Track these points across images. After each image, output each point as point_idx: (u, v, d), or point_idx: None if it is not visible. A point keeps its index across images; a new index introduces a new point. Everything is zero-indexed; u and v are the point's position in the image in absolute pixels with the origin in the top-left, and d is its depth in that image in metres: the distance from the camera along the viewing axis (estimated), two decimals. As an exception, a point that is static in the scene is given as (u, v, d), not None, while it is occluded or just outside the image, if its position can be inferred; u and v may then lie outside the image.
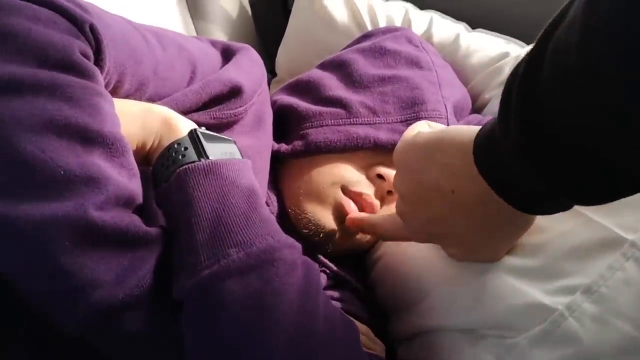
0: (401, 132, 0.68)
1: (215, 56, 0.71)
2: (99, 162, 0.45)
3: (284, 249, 0.47)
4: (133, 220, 0.46)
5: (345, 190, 0.70)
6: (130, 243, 0.45)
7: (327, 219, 0.69)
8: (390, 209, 0.70)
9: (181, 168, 0.49)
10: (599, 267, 0.51)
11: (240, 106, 0.64)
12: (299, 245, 0.50)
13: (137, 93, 0.57)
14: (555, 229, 0.55)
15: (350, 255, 0.76)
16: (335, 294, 0.69)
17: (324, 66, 0.83)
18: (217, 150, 0.52)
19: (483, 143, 0.46)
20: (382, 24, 1.00)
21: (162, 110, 0.54)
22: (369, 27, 0.99)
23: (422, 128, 0.57)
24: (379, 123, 0.71)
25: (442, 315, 0.59)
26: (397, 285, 0.68)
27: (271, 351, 0.44)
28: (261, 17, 1.21)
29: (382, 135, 0.70)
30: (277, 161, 0.73)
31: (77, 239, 0.42)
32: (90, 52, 0.48)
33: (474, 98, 0.86)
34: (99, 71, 0.48)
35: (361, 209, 0.69)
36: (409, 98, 0.73)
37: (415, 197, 0.54)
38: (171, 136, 0.52)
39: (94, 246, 0.43)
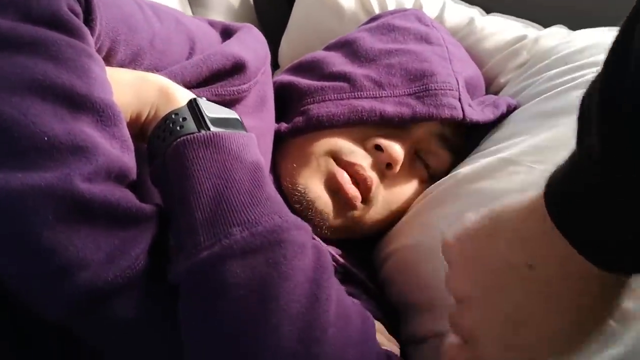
0: (410, 105, 0.65)
1: (215, 36, 0.67)
2: (87, 130, 0.40)
3: (292, 230, 0.43)
4: (125, 195, 0.42)
5: (338, 159, 0.65)
6: (122, 220, 0.41)
7: (318, 191, 0.65)
8: (390, 185, 0.66)
9: (179, 139, 0.44)
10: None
11: (244, 83, 0.59)
12: (308, 228, 0.45)
13: (132, 65, 0.52)
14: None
15: (352, 242, 0.71)
16: (344, 289, 0.64)
17: (328, 47, 0.80)
18: (219, 122, 0.47)
19: (559, 188, 0.33)
20: (392, 9, 0.95)
21: (158, 79, 0.50)
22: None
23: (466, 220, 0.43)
24: (385, 96, 0.67)
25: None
26: (411, 285, 0.63)
27: (277, 342, 0.39)
28: (263, 5, 1.17)
29: (389, 108, 0.66)
30: (277, 142, 0.69)
31: (62, 213, 0.38)
32: (79, 10, 0.44)
33: (489, 82, 0.81)
34: (89, 32, 0.44)
35: (354, 182, 0.64)
36: (417, 70, 0.68)
37: (480, 290, 0.39)
38: (168, 106, 0.48)
39: (80, 222, 0.38)
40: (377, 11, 0.95)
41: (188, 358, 0.42)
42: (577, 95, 0.59)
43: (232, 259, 0.40)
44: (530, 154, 0.57)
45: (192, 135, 0.44)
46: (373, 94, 0.67)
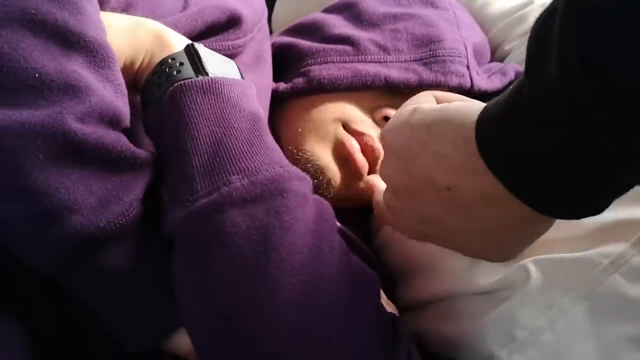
0: (416, 72, 0.63)
1: None
2: (79, 69, 0.38)
3: (294, 180, 0.41)
4: (119, 138, 0.40)
5: (347, 127, 0.63)
6: (116, 164, 0.39)
7: (326, 158, 0.63)
8: None
9: (176, 84, 0.42)
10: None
11: (239, 38, 0.57)
12: (309, 179, 0.44)
13: (124, 13, 0.50)
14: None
15: (355, 211, 0.69)
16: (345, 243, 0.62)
17: (327, 10, 0.77)
18: (217, 68, 0.45)
19: (493, 123, 0.34)
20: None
21: (154, 24, 0.47)
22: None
23: (424, 101, 0.46)
24: (390, 62, 0.64)
25: (460, 279, 0.53)
26: (408, 249, 0.61)
27: (277, 294, 0.37)
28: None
29: (395, 73, 0.63)
30: (275, 102, 0.67)
31: (53, 153, 0.36)
32: None
33: (493, 49, 0.79)
34: None
35: (362, 152, 0.62)
36: (424, 35, 0.66)
37: (404, 190, 0.44)
38: (164, 52, 0.46)
39: (72, 163, 0.37)
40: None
41: (181, 311, 0.40)
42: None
43: (232, 207, 0.39)
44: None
45: (189, 80, 0.42)
46: (378, 59, 0.65)
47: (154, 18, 0.52)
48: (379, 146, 0.63)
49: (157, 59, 0.45)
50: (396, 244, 0.64)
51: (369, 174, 0.64)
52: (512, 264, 0.48)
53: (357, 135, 0.63)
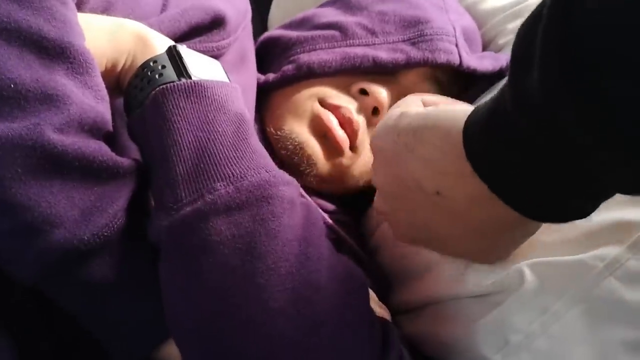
0: (404, 51, 0.62)
1: None
2: (57, 77, 0.37)
3: (280, 185, 0.40)
4: (100, 148, 0.39)
5: (323, 102, 0.63)
6: (98, 174, 0.38)
7: (304, 134, 0.62)
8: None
9: (158, 88, 0.41)
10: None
11: (223, 39, 0.57)
12: (297, 183, 0.43)
13: (104, 14, 0.48)
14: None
15: (344, 198, 0.69)
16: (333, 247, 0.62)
17: (321, 5, 0.77)
18: (201, 71, 0.44)
19: (478, 128, 0.35)
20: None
21: (135, 25, 0.46)
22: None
23: (410, 105, 0.46)
24: (378, 44, 0.64)
25: (454, 282, 0.51)
26: (402, 251, 0.60)
27: (265, 303, 0.37)
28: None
29: (383, 54, 0.63)
30: (261, 96, 0.66)
31: (32, 166, 0.35)
32: None
33: (486, 44, 0.77)
34: None
35: (341, 125, 0.61)
36: (412, 17, 0.65)
37: (393, 196, 0.45)
38: (146, 54, 0.44)
39: (52, 175, 0.36)
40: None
41: (168, 322, 0.39)
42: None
43: (216, 215, 0.38)
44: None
45: (172, 84, 0.41)
46: (366, 42, 0.65)
47: (134, 19, 0.51)
48: (357, 118, 0.62)
49: (140, 61, 0.44)
50: (390, 245, 0.63)
51: (350, 149, 0.63)
52: (507, 267, 0.48)
53: (334, 109, 0.62)
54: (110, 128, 0.41)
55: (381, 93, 0.62)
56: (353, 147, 0.63)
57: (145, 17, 0.52)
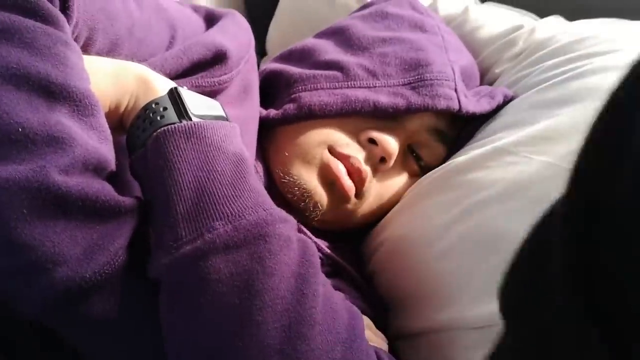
0: (404, 96, 0.63)
1: (198, 22, 0.65)
2: (63, 120, 0.38)
3: (277, 223, 0.41)
4: (103, 188, 0.40)
5: (333, 151, 0.63)
6: (100, 213, 0.39)
7: (313, 182, 0.63)
8: (382, 179, 0.65)
9: (159, 130, 0.42)
10: None
11: (225, 73, 0.57)
12: (293, 221, 0.44)
13: (110, 54, 0.50)
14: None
15: (342, 233, 0.69)
16: (330, 282, 0.62)
17: (319, 35, 0.77)
18: (201, 112, 0.46)
19: None
20: (383, -4, 0.92)
21: (138, 68, 0.48)
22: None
23: None
24: (379, 86, 0.64)
25: (454, 311, 0.52)
26: (401, 274, 0.61)
27: (262, 340, 0.37)
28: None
29: (383, 98, 0.63)
30: (264, 129, 0.66)
31: (37, 207, 0.36)
32: None
33: (483, 72, 0.79)
34: (65, 19, 0.42)
35: (348, 173, 0.62)
36: (413, 59, 0.66)
37: None
38: (149, 96, 0.46)
39: (56, 216, 0.37)
40: (368, -3, 0.93)
41: (169, 356, 0.40)
42: (575, 85, 0.58)
43: (215, 254, 0.39)
44: (528, 144, 0.55)
45: (173, 126, 0.43)
46: (367, 84, 0.65)
47: (140, 57, 0.53)
48: (365, 168, 0.63)
49: (142, 103, 0.46)
50: (389, 271, 0.64)
51: (356, 196, 0.64)
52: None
53: (343, 158, 0.63)
54: (113, 167, 0.42)
55: (390, 144, 0.62)
56: (358, 195, 0.64)
57: (151, 55, 0.54)
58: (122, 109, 0.46)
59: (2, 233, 0.35)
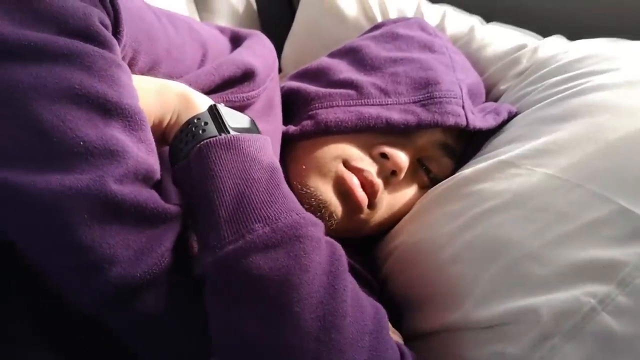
0: (415, 113, 0.68)
1: (224, 42, 0.70)
2: (117, 134, 0.43)
3: (309, 226, 0.46)
4: (152, 196, 0.44)
5: (347, 164, 0.68)
6: (149, 219, 0.43)
7: (328, 193, 0.67)
8: (393, 191, 0.69)
9: (202, 142, 0.47)
10: (632, 256, 0.47)
11: (253, 90, 0.62)
12: (322, 224, 0.48)
13: (150, 72, 0.55)
14: (584, 217, 0.51)
15: (357, 240, 0.73)
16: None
17: (333, 55, 0.81)
18: (237, 126, 0.50)
19: None
20: (394, 17, 0.97)
21: (179, 86, 0.53)
22: (380, 21, 0.96)
23: None
24: (390, 104, 0.69)
25: (464, 312, 0.56)
26: (414, 280, 0.65)
27: (301, 329, 0.42)
28: (266, 11, 1.18)
29: (395, 115, 0.68)
30: (284, 144, 0.71)
31: (96, 213, 0.40)
32: (108, 22, 0.47)
33: (488, 89, 0.83)
34: (117, 43, 0.47)
35: (362, 186, 0.67)
36: (422, 79, 0.70)
37: None
38: (189, 112, 0.50)
39: (112, 221, 0.41)
40: (379, 18, 0.97)
41: (215, 348, 0.44)
42: (575, 102, 0.62)
43: (256, 252, 0.43)
44: (531, 157, 0.59)
45: (214, 139, 0.47)
46: (379, 102, 0.69)
47: (176, 75, 0.57)
48: (377, 180, 0.67)
49: (183, 118, 0.50)
50: (401, 276, 0.67)
51: (368, 206, 0.68)
52: (512, 302, 0.51)
53: (357, 171, 0.67)
54: (159, 177, 0.47)
55: (400, 158, 0.67)
56: (371, 205, 0.68)
57: (185, 72, 0.58)
58: (165, 123, 0.50)
59: (66, 235, 0.39)
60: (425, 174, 0.71)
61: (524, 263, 0.52)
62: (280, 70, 1.13)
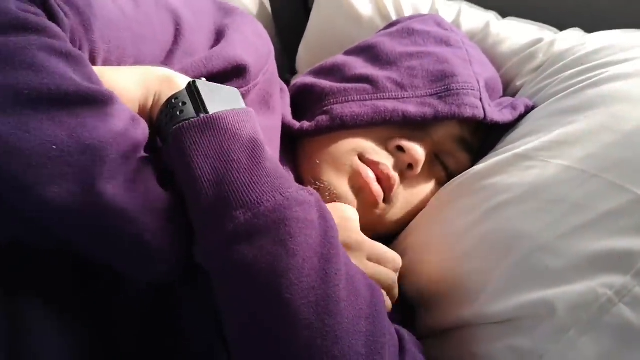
0: (432, 105, 0.67)
1: (205, 5, 0.66)
2: (89, 122, 0.42)
3: (294, 207, 0.44)
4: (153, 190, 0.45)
5: (362, 158, 0.66)
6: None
7: (343, 187, 0.66)
8: (410, 186, 0.68)
9: (176, 126, 0.46)
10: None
11: (242, 87, 0.60)
12: (312, 199, 0.46)
13: (121, 60, 0.53)
14: (600, 207, 0.50)
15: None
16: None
17: (348, 52, 0.81)
18: (218, 102, 0.48)
19: None
20: (409, 15, 0.96)
21: (160, 69, 0.52)
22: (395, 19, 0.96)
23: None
24: (407, 97, 0.68)
25: (477, 307, 0.55)
26: (428, 277, 0.64)
27: (293, 316, 0.41)
28: (281, 11, 1.19)
29: (412, 108, 0.66)
30: (296, 140, 0.70)
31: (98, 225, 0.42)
32: (34, 9, 0.44)
33: (505, 85, 0.81)
34: (55, 26, 0.45)
35: (377, 179, 0.65)
36: (439, 71, 0.69)
37: None
38: (170, 92, 0.49)
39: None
40: (393, 17, 0.97)
41: (227, 333, 0.45)
42: (591, 94, 0.61)
43: (239, 241, 0.42)
44: (545, 149, 0.58)
45: (188, 122, 0.45)
46: (395, 95, 0.68)
47: (147, 54, 0.55)
48: (394, 174, 0.66)
49: (165, 98, 0.49)
50: (415, 273, 0.66)
51: (384, 201, 0.67)
52: (527, 295, 0.50)
53: (373, 165, 0.66)
54: (144, 141, 0.47)
55: (417, 151, 0.65)
56: (387, 199, 0.67)
57: (160, 49, 0.56)
58: (149, 106, 0.49)
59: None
60: (442, 169, 0.70)
61: (538, 256, 0.51)
62: (295, 72, 1.13)
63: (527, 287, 0.50)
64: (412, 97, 0.68)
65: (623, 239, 0.47)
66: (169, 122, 0.47)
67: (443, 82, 0.68)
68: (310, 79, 0.76)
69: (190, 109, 0.47)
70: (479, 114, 0.66)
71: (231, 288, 0.42)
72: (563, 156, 0.56)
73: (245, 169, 0.44)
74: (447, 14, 0.94)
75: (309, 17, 1.08)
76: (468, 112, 0.66)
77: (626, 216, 0.49)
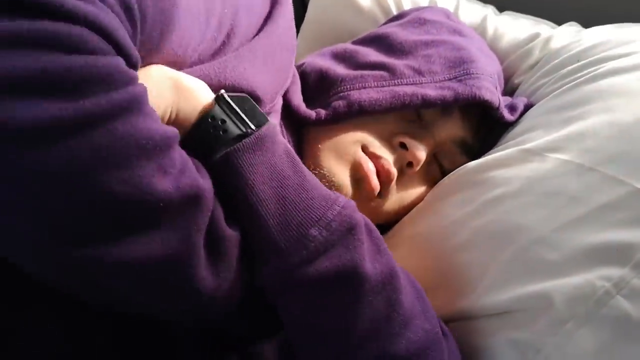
0: (451, 88, 0.66)
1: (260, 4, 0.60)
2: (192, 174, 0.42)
3: (354, 213, 0.47)
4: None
5: (365, 150, 0.66)
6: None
7: (342, 176, 0.65)
8: (404, 182, 0.68)
9: (229, 149, 0.45)
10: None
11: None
12: (352, 202, 0.49)
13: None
14: (598, 200, 0.51)
15: None
16: None
17: (356, 42, 0.79)
18: (250, 115, 0.48)
19: None
20: (407, 7, 0.96)
21: (165, 72, 0.47)
22: (394, 12, 0.96)
23: None
24: (425, 83, 0.67)
25: (475, 295, 0.56)
26: (424, 269, 0.63)
27: (371, 309, 0.46)
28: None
29: (431, 92, 0.66)
30: (302, 128, 0.69)
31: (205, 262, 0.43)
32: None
33: (504, 82, 0.81)
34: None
35: (377, 173, 0.65)
36: (457, 57, 0.69)
37: None
38: (189, 105, 0.46)
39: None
40: (393, 9, 0.96)
41: (292, 341, 0.48)
42: (588, 89, 0.61)
43: (319, 257, 0.45)
44: (543, 144, 0.59)
45: (242, 144, 0.45)
46: (413, 81, 0.67)
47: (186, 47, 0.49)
48: (394, 170, 0.66)
49: (184, 114, 0.46)
50: (410, 266, 0.65)
51: (378, 195, 0.67)
52: (523, 288, 0.51)
53: (375, 158, 0.65)
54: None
55: (420, 150, 0.65)
56: (381, 194, 0.67)
57: (199, 42, 0.50)
58: (165, 120, 0.46)
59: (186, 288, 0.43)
60: (439, 169, 0.71)
61: (536, 248, 0.52)
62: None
63: (525, 279, 0.51)
64: (431, 82, 0.67)
65: (621, 232, 0.48)
66: (213, 145, 0.45)
67: (462, 67, 0.68)
68: (321, 62, 0.73)
69: (233, 128, 0.46)
70: (495, 100, 0.67)
71: (315, 302, 0.46)
72: (561, 151, 0.57)
73: (297, 184, 0.47)
74: (445, 6, 0.94)
75: (306, 8, 1.07)
76: (487, 95, 0.66)
77: (624, 209, 0.49)
